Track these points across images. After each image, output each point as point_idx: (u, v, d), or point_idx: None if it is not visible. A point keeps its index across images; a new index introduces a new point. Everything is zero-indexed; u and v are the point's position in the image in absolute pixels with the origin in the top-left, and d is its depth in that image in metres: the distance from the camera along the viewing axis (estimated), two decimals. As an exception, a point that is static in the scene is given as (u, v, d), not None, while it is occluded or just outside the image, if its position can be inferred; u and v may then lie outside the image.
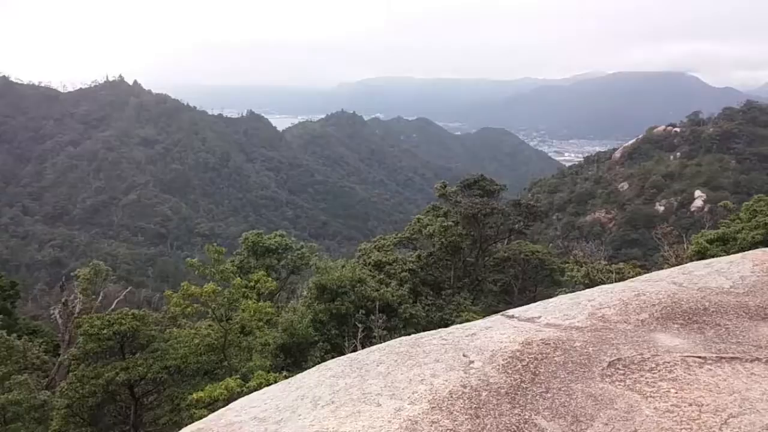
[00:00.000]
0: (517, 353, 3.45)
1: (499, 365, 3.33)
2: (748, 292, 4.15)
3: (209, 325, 16.69)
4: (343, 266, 21.91)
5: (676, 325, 3.85)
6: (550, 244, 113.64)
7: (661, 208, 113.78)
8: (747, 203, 21.93)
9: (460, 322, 15.88)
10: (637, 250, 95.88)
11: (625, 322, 3.93)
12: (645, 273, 18.94)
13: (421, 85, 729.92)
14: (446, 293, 22.20)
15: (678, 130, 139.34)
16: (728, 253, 21.28)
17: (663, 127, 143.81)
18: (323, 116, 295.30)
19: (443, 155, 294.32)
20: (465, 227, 24.05)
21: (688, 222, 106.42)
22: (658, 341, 3.68)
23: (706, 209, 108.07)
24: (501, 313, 4.65)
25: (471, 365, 3.37)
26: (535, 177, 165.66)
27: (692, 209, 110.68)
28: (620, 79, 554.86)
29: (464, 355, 3.52)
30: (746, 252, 5.18)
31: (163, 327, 18.86)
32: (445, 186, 26.80)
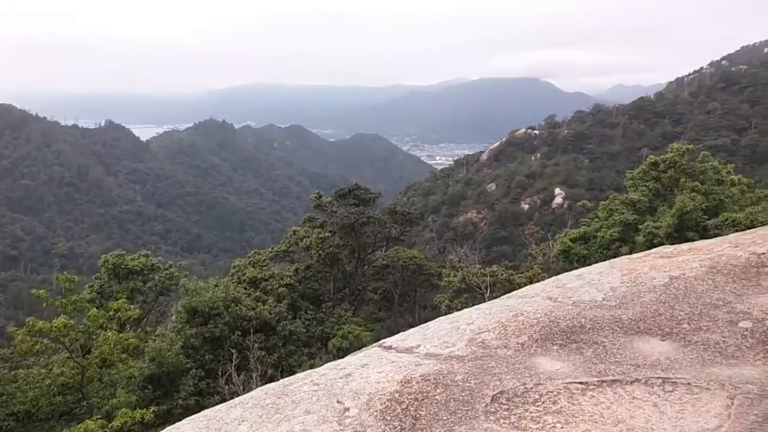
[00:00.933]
0: (396, 395, 3.11)
1: (377, 411, 2.97)
2: (619, 304, 4.11)
3: (64, 362, 14.97)
4: (215, 285, 20.72)
5: (555, 347, 3.71)
6: (427, 246, 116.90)
7: (527, 206, 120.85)
8: (604, 203, 23.60)
9: (342, 335, 15.52)
10: (507, 247, 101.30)
11: (505, 347, 3.73)
12: (515, 274, 19.64)
13: (292, 91, 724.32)
14: (327, 306, 21.78)
15: (537, 132, 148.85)
16: (589, 251, 22.94)
17: (523, 129, 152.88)
18: (191, 125, 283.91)
19: (319, 162, 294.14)
20: (342, 237, 23.79)
21: (551, 218, 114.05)
22: (539, 366, 3.50)
23: (565, 205, 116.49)
24: (378, 343, 4.31)
25: (346, 414, 2.99)
26: (409, 181, 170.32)
27: (553, 206, 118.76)
28: (483, 85, 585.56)
29: (339, 402, 3.13)
30: (614, 260, 5.23)
31: (13, 364, 16.79)
32: (320, 196, 26.34)
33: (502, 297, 5.04)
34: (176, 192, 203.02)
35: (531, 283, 20.76)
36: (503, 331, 3.92)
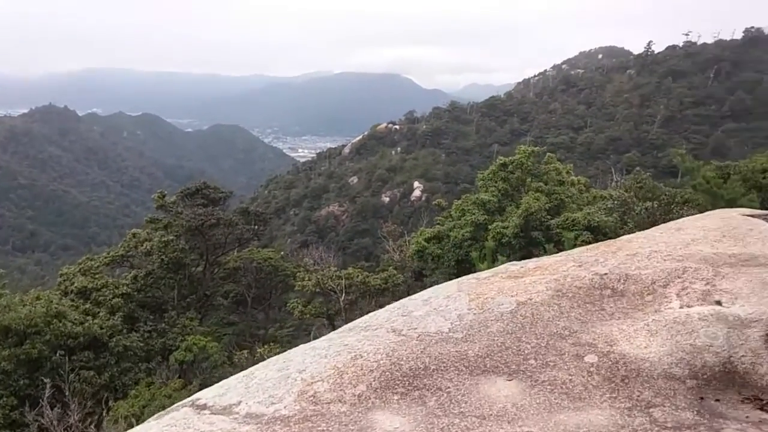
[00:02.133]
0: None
1: None
2: (466, 336, 3.78)
3: None
4: (36, 298, 18.21)
5: (396, 397, 3.27)
6: (289, 240, 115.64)
7: (387, 199, 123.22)
8: (457, 203, 24.26)
9: (186, 347, 14.27)
10: (368, 239, 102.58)
11: (340, 400, 3.23)
12: (371, 276, 19.43)
13: (143, 78, 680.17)
14: (170, 315, 20.05)
15: (398, 127, 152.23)
16: (443, 250, 23.48)
17: (384, 124, 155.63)
18: (26, 111, 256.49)
19: (174, 153, 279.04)
20: (189, 240, 22.15)
21: (410, 210, 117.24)
22: (376, 425, 3.05)
23: (423, 198, 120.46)
24: (191, 400, 3.61)
25: None
26: (271, 173, 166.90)
27: (412, 199, 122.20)
28: (346, 79, 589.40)
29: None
30: (462, 281, 4.94)
31: None
32: (164, 196, 24.21)
33: (344, 328, 4.54)
34: (7, 184, 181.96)
35: (386, 284, 20.97)
36: (339, 380, 3.42)
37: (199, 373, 17.74)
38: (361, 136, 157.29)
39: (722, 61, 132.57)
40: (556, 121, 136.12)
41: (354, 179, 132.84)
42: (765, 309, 3.59)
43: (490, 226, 20.58)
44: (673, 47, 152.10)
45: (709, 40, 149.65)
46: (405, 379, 3.40)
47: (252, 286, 22.26)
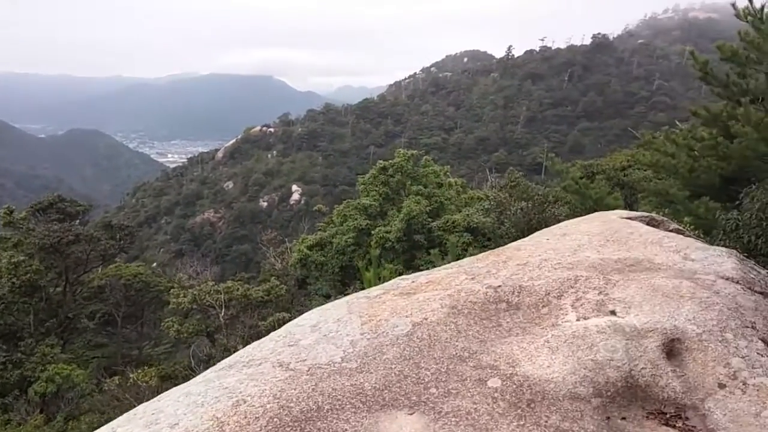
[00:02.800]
0: None
1: None
2: (361, 366, 3.45)
3: None
4: None
5: (287, 450, 2.88)
6: (162, 250, 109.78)
7: (265, 204, 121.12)
8: (338, 208, 23.99)
9: (47, 378, 12.68)
10: (247, 245, 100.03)
11: (219, 465, 2.78)
12: (252, 288, 18.60)
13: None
14: (27, 343, 17.83)
15: (272, 130, 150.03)
16: (326, 257, 23.11)
17: (259, 127, 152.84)
18: None
19: (26, 161, 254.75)
20: (44, 260, 19.90)
21: (289, 214, 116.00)
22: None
23: (302, 201, 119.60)
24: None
25: None
26: (138, 181, 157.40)
27: (291, 202, 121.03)
28: (216, 81, 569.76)
29: None
30: (351, 300, 4.61)
31: None
32: (12, 212, 21.61)
33: (224, 364, 4.01)
34: None
35: (269, 296, 20.18)
36: (218, 434, 2.94)
37: (65, 405, 16.05)
38: (234, 140, 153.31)
39: (574, 65, 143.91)
40: (428, 123, 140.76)
41: (229, 184, 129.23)
42: (659, 317, 3.60)
43: (373, 232, 20.53)
44: (531, 52, 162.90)
45: (563, 45, 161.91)
46: (296, 424, 3.01)
47: (121, 304, 20.42)
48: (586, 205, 12.87)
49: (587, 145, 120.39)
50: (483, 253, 5.54)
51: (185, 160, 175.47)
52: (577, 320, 3.74)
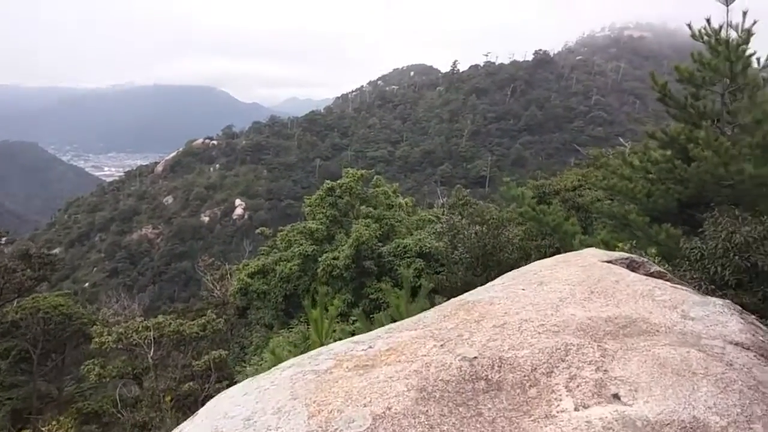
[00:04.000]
0: None
1: None
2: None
3: None
4: None
5: None
6: (95, 269, 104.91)
7: (207, 219, 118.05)
8: (282, 232, 22.81)
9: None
10: (187, 262, 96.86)
11: None
12: (186, 323, 17.26)
13: None
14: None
15: (215, 142, 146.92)
16: (269, 286, 21.93)
17: (201, 140, 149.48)
18: None
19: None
20: (-53, 295, 17.92)
21: (232, 229, 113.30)
22: None
23: (246, 216, 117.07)
24: None
25: None
26: (72, 195, 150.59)
27: (234, 217, 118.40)
28: (155, 92, 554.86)
29: None
30: (295, 375, 3.77)
31: None
32: None
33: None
34: None
35: (204, 331, 18.85)
36: None
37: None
38: (175, 153, 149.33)
39: (517, 80, 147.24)
40: (375, 136, 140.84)
41: (169, 199, 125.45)
42: (673, 405, 2.94)
43: (320, 258, 19.50)
44: (476, 66, 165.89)
45: (506, 61, 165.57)
46: None
47: (39, 339, 18.46)
48: (543, 231, 12.53)
49: (529, 158, 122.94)
50: (450, 304, 4.77)
51: (122, 174, 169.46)
52: (576, 409, 3.02)
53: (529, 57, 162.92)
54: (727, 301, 4.35)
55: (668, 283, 4.81)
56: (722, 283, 7.04)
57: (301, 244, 20.36)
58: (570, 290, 4.41)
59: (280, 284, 19.92)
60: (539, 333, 3.78)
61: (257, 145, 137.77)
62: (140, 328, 14.35)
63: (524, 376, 3.40)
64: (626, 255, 5.51)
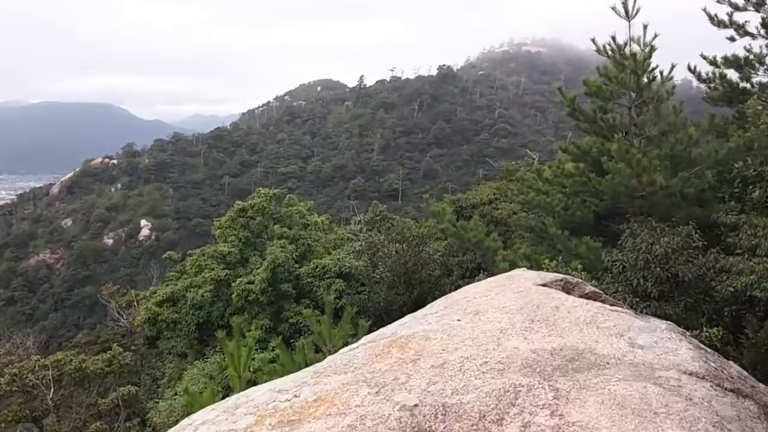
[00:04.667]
0: None
1: None
2: None
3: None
4: None
5: None
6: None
7: (111, 241, 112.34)
8: (192, 257, 21.55)
9: None
10: (90, 287, 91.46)
11: None
12: (89, 359, 15.97)
13: None
14: None
15: (116, 162, 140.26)
16: (180, 314, 20.63)
17: (100, 159, 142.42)
18: None
19: None
20: None
21: (138, 251, 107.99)
22: None
23: (153, 237, 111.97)
24: None
25: None
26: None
27: (141, 238, 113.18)
28: (46, 110, 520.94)
29: None
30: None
31: None
32: None
33: None
34: None
35: (110, 367, 17.45)
36: None
37: None
38: (72, 173, 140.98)
39: (423, 94, 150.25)
40: (285, 152, 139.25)
41: (68, 222, 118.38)
42: (640, 454, 2.67)
43: (233, 283, 18.53)
44: (382, 81, 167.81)
45: (411, 75, 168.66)
46: None
47: None
48: (465, 246, 12.47)
49: (440, 170, 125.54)
50: (381, 340, 4.34)
51: (14, 197, 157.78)
52: (535, 465, 2.70)
53: (434, 71, 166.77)
54: (671, 323, 4.21)
55: (608, 306, 4.64)
56: (645, 295, 7.09)
57: (213, 269, 19.32)
58: (509, 320, 4.11)
59: (191, 312, 18.79)
60: (483, 372, 3.43)
61: (161, 164, 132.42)
62: (36, 368, 13.04)
63: (472, 425, 3.02)
64: (560, 276, 5.33)
